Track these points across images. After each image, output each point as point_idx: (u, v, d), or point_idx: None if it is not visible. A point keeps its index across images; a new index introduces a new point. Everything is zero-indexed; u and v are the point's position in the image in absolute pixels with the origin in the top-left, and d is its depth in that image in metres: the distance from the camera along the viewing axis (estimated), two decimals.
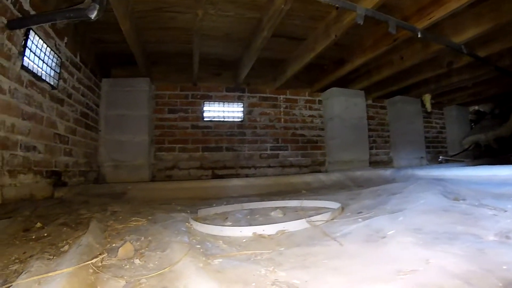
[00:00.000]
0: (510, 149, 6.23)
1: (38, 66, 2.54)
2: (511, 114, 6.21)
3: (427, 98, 5.85)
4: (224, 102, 5.08)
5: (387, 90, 5.55)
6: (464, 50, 3.52)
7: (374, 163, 5.67)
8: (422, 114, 6.27)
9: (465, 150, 6.64)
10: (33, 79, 2.46)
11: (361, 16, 2.74)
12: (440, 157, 6.30)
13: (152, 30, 3.73)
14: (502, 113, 7.11)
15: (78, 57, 3.37)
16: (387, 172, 3.73)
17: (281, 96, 5.26)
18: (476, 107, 7.66)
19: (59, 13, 2.08)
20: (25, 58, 2.32)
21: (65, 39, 3.00)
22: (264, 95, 5.19)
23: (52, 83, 2.76)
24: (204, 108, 4.98)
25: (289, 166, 5.18)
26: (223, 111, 5.07)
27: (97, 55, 4.03)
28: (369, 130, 5.55)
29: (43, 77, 2.61)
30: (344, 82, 5.26)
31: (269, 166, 5.07)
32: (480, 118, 7.58)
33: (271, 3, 3.08)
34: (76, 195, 2.86)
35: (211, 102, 5.03)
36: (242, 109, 5.10)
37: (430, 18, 3.03)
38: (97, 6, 1.97)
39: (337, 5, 2.70)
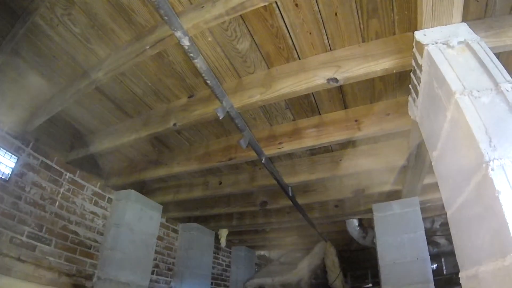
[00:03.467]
0: None
1: None
2: (299, 263, 6.63)
3: (224, 233, 5.60)
4: None
5: (187, 214, 4.99)
6: (290, 193, 3.47)
7: None
8: (213, 248, 5.87)
9: None
10: None
11: (223, 111, 2.29)
12: None
13: None
14: (289, 261, 7.65)
15: None
16: None
17: (68, 174, 3.77)
18: (262, 252, 7.94)
19: None
20: None
21: None
22: (49, 162, 3.63)
23: None
24: None
25: (46, 267, 3.36)
26: None
27: None
28: (155, 252, 4.55)
29: None
30: (145, 188, 4.48)
31: (19, 259, 3.13)
32: (264, 263, 7.98)
33: None
34: None
35: None
36: (13, 165, 3.41)
37: (280, 148, 2.91)
38: None
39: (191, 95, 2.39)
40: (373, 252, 7.40)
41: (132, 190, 4.15)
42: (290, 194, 3.52)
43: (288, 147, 2.91)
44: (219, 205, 4.63)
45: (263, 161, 2.82)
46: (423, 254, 3.73)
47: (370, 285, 10.31)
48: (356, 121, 2.78)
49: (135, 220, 4.10)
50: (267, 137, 3.01)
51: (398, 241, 3.86)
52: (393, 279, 3.70)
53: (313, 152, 3.48)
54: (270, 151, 2.95)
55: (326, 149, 3.46)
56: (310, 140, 2.86)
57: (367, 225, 5.21)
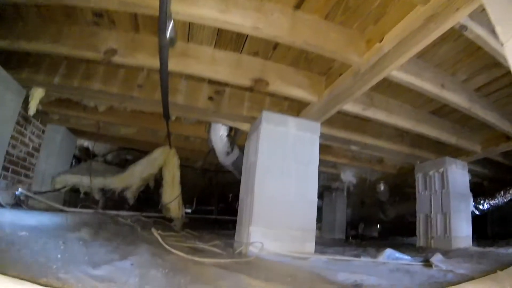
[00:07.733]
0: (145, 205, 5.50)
1: None
2: (130, 166, 5.20)
3: (39, 94, 3.48)
4: None
5: None
6: (168, 31, 1.99)
7: None
8: (17, 116, 3.70)
9: (56, 190, 4.81)
10: None
11: None
12: (19, 189, 4.02)
13: None
14: (117, 162, 6.39)
15: None
16: None
17: None
18: (86, 143, 6.10)
19: None
20: None
21: None
22: None
23: None
24: None
25: None
26: None
27: None
28: None
29: None
30: None
31: None
32: (85, 157, 6.10)
33: None
34: None
35: None
36: None
37: None
38: None
39: None
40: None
41: None
42: (168, 35, 2.00)
43: None
44: (43, 36, 2.77)
45: None
46: (311, 196, 3.10)
47: (189, 211, 9.57)
48: None
49: None
50: None
51: (284, 170, 3.04)
52: (267, 218, 2.86)
53: None
54: None
55: None
56: None
57: (234, 141, 4.12)
